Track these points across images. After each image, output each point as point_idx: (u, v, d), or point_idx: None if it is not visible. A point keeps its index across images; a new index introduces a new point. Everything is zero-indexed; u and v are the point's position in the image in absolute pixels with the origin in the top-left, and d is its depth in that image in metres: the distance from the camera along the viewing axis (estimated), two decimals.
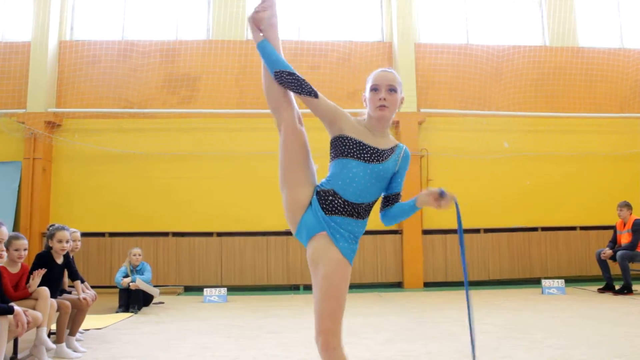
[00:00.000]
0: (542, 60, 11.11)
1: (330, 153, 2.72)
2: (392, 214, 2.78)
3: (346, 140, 2.63)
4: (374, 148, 2.65)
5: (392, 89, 2.69)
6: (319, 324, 2.48)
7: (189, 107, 10.59)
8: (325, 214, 2.60)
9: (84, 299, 5.11)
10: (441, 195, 2.65)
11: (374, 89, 2.69)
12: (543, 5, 11.47)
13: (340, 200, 2.60)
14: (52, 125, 10.25)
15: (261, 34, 2.81)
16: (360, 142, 2.63)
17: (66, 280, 5.75)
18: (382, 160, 2.65)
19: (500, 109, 10.85)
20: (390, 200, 2.77)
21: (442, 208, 2.67)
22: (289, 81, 2.68)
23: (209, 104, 10.54)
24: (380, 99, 2.66)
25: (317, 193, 2.65)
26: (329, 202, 2.60)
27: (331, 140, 2.71)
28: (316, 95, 2.66)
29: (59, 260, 5.10)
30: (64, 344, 4.75)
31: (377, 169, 2.63)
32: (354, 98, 10.69)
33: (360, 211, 2.64)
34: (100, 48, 10.72)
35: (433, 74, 10.87)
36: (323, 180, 2.70)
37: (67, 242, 5.10)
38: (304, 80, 2.68)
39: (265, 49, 2.76)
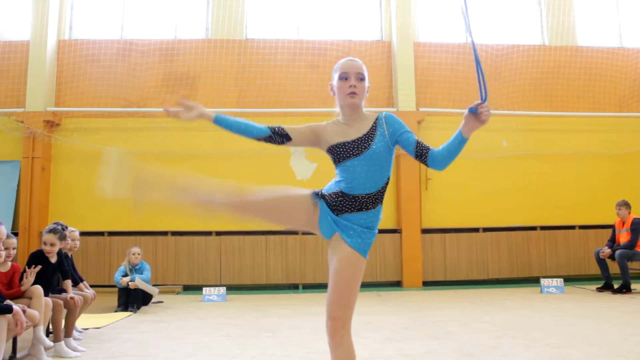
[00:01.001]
0: (541, 59, 11.11)
1: (331, 160, 2.84)
2: (442, 157, 2.73)
3: (335, 149, 2.74)
4: (358, 139, 2.72)
5: (361, 77, 2.77)
6: (329, 310, 2.61)
7: None
8: (336, 214, 2.71)
9: (71, 297, 5.07)
10: (473, 112, 2.69)
11: (344, 77, 2.75)
12: (542, 4, 11.47)
13: (348, 198, 2.70)
14: (51, 124, 10.24)
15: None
16: (345, 143, 2.72)
17: None
18: (370, 144, 2.71)
19: (499, 108, 10.85)
20: (420, 152, 2.74)
21: (486, 119, 2.70)
22: (271, 142, 2.82)
23: (208, 103, 10.51)
24: (350, 87, 2.73)
25: (324, 198, 2.75)
26: (339, 202, 2.71)
27: (326, 152, 2.84)
28: (289, 138, 2.80)
29: (53, 259, 5.09)
30: (62, 342, 4.75)
31: (369, 154, 2.70)
32: None
33: (370, 202, 2.72)
34: (99, 47, 10.70)
35: (432, 73, 10.87)
36: (330, 184, 2.81)
37: (52, 244, 5.07)
38: (276, 135, 2.79)
39: (226, 121, 2.80)
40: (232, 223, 10.18)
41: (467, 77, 10.91)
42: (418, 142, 2.75)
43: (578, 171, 10.87)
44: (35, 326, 4.40)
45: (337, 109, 2.88)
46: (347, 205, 2.69)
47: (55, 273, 5.16)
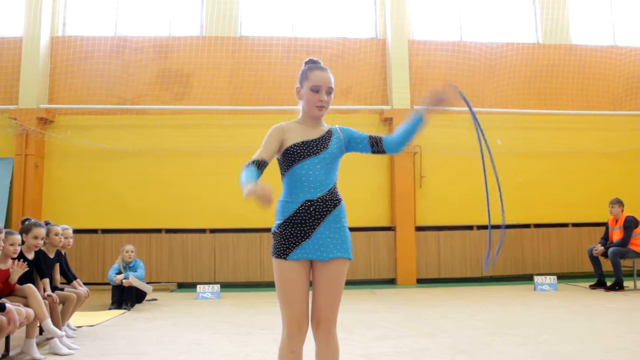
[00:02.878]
0: (535, 57, 11.14)
1: (281, 169, 2.85)
2: (399, 140, 2.89)
3: (294, 148, 2.77)
4: (319, 138, 2.82)
5: (331, 91, 2.85)
6: (322, 313, 2.75)
7: (182, 103, 10.56)
8: (307, 239, 2.73)
9: (49, 295, 4.99)
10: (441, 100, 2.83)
11: (315, 90, 2.81)
12: (536, 3, 11.49)
13: (312, 210, 2.74)
14: (44, 121, 10.19)
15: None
16: (304, 142, 2.79)
17: (58, 277, 5.73)
18: (326, 146, 2.82)
19: (493, 106, 10.88)
20: (374, 142, 2.89)
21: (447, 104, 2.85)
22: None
23: (202, 100, 10.51)
24: (320, 101, 2.81)
25: (280, 234, 2.77)
26: (304, 221, 2.74)
27: (279, 158, 2.84)
28: (266, 163, 2.72)
29: (30, 255, 5.03)
30: (56, 339, 4.73)
31: (325, 155, 2.80)
32: (347, 95, 10.70)
33: (329, 202, 2.78)
34: (93, 44, 10.65)
35: (426, 71, 10.88)
36: (278, 215, 2.81)
37: (43, 239, 5.03)
38: (262, 170, 2.70)
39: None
40: (226, 220, 10.20)
41: (461, 75, 10.93)
42: (370, 135, 2.92)
43: (571, 169, 10.91)
44: (41, 322, 4.47)
45: (299, 108, 2.94)
46: (314, 218, 2.74)
47: (32, 270, 5.02)
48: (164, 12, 11.08)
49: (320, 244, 2.74)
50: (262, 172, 2.70)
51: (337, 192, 2.85)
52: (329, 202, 2.78)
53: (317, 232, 2.74)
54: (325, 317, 2.75)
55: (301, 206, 2.74)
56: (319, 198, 2.76)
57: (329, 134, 2.87)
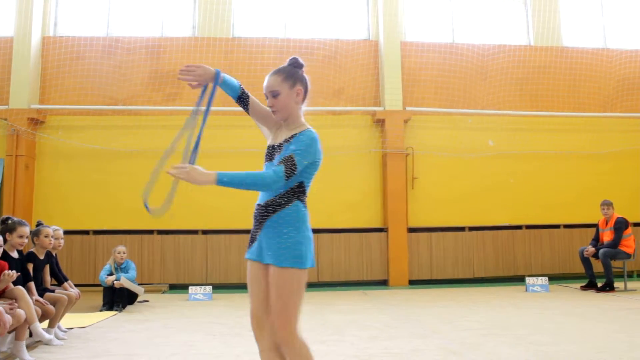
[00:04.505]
0: (527, 59, 11.19)
1: None
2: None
3: (266, 149, 2.92)
4: (275, 145, 2.84)
5: (274, 94, 2.86)
6: (274, 323, 2.70)
7: (174, 104, 10.53)
8: (252, 242, 2.86)
9: (37, 301, 4.90)
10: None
11: (265, 97, 2.92)
12: (528, 5, 11.55)
13: (255, 212, 2.85)
14: (35, 121, 10.13)
15: None
16: (268, 146, 2.90)
17: (48, 278, 5.70)
18: (279, 152, 2.80)
19: (485, 107, 10.92)
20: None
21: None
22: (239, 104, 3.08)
23: (194, 101, 10.42)
24: (269, 107, 2.91)
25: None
26: (254, 224, 2.86)
27: None
28: (246, 106, 3.01)
29: (14, 255, 4.95)
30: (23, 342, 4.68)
31: (275, 162, 2.79)
32: (339, 96, 10.71)
33: (267, 208, 2.76)
34: (85, 44, 10.60)
35: (419, 72, 10.90)
36: None
37: (27, 237, 4.98)
38: (243, 97, 3.09)
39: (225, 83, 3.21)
40: (218, 221, 10.17)
41: (454, 76, 10.97)
42: (279, 161, 2.70)
43: (563, 171, 10.97)
44: (30, 324, 4.45)
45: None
46: (258, 222, 2.80)
47: (18, 270, 4.86)
48: (156, 13, 11.05)
49: (260, 247, 2.79)
50: (244, 95, 3.00)
51: (286, 198, 2.74)
52: (270, 208, 2.74)
53: (259, 235, 2.80)
54: (277, 325, 2.68)
55: (255, 209, 2.85)
56: (265, 203, 2.77)
57: (288, 140, 2.77)
